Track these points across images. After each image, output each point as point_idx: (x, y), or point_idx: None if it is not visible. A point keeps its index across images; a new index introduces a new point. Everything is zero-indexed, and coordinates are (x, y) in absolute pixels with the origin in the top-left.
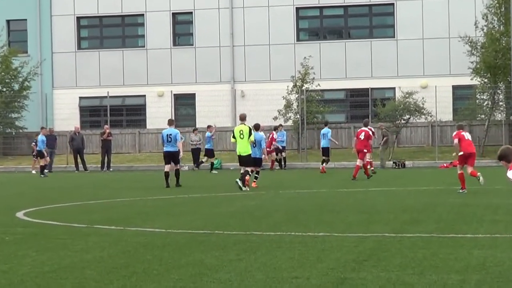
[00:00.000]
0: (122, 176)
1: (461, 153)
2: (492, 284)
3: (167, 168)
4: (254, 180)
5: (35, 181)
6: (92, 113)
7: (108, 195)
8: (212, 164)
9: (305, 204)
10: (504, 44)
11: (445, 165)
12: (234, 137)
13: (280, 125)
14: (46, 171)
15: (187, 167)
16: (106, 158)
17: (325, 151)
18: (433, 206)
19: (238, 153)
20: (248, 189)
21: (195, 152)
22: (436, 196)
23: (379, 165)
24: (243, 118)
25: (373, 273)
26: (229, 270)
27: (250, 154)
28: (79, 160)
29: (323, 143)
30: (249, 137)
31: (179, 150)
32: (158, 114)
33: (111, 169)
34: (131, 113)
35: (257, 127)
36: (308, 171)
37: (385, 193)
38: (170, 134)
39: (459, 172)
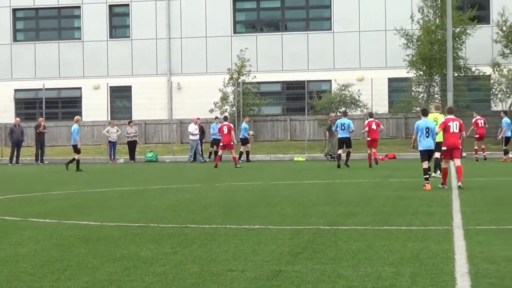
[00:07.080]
0: (57, 169)
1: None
2: (425, 276)
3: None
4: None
5: None
6: (27, 105)
7: (43, 188)
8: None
9: (241, 197)
10: (439, 37)
11: (380, 157)
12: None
13: (216, 117)
14: None
15: (122, 159)
16: (40, 151)
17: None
18: (368, 199)
19: None
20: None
21: (131, 145)
22: (371, 189)
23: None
24: (436, 107)
25: (308, 265)
26: (164, 263)
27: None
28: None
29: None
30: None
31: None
32: (94, 107)
33: (46, 162)
34: (66, 105)
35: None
36: (243, 163)
37: (321, 185)
38: (343, 123)
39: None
